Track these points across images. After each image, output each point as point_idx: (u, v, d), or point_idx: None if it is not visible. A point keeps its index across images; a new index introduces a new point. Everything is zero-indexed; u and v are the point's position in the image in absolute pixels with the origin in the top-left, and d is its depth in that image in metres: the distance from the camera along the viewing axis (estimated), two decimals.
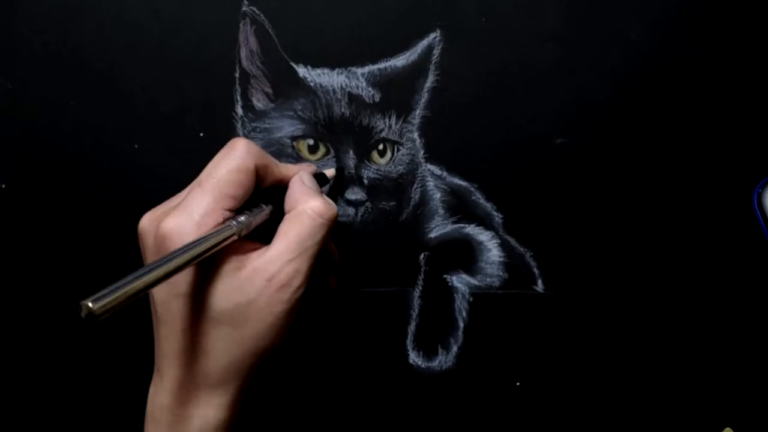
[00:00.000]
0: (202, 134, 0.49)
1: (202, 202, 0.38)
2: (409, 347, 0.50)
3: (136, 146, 0.49)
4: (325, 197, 0.42)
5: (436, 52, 0.49)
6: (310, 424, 0.49)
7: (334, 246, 0.47)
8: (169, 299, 0.39)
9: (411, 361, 0.50)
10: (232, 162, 0.40)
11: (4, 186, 0.49)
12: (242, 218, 0.39)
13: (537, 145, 0.50)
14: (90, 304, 0.30)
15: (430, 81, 0.49)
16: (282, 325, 0.39)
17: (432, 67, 0.49)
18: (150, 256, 0.39)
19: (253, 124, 0.49)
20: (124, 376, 0.49)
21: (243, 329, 0.38)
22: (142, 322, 0.49)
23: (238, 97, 0.49)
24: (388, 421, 0.50)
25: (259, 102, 0.49)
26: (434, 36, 0.49)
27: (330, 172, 0.48)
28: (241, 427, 0.48)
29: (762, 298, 0.50)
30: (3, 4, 0.49)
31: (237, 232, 0.38)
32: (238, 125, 0.49)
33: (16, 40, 0.49)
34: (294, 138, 0.49)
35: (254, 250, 0.40)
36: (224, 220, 0.39)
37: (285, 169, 0.43)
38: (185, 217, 0.38)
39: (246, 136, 0.49)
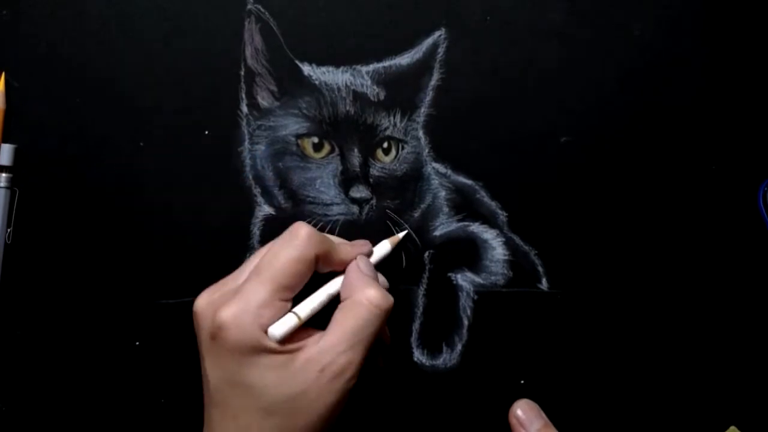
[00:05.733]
0: (207, 132, 0.49)
1: (258, 293, 0.39)
2: (414, 345, 0.50)
3: (141, 144, 0.49)
4: (381, 288, 0.41)
5: (441, 50, 0.49)
6: None
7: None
8: (223, 386, 0.39)
9: (415, 359, 0.50)
10: (293, 252, 0.40)
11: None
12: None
13: (542, 143, 0.50)
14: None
15: (434, 79, 0.49)
16: (332, 415, 0.39)
17: (437, 65, 0.49)
18: (204, 339, 0.40)
19: (258, 122, 0.49)
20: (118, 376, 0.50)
21: (294, 420, 0.39)
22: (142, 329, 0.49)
23: (243, 95, 0.49)
24: (392, 419, 0.50)
25: (264, 100, 0.49)
26: (439, 34, 0.49)
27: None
28: None
29: (767, 297, 0.50)
30: (8, 3, 0.49)
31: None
32: (243, 123, 0.49)
33: (22, 39, 0.49)
34: (299, 136, 0.49)
35: (307, 336, 0.40)
36: (281, 311, 0.40)
37: (344, 253, 0.43)
38: (242, 308, 0.38)
39: (251, 134, 0.49)
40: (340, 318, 0.40)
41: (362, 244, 0.46)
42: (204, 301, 0.41)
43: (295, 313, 0.39)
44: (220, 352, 0.39)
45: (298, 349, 0.39)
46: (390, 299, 0.41)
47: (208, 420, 0.41)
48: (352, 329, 0.39)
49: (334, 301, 0.42)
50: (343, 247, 0.44)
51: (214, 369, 0.39)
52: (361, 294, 0.40)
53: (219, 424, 0.40)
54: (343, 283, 0.42)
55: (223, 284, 0.41)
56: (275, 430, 0.39)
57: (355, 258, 0.43)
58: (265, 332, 0.39)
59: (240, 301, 0.39)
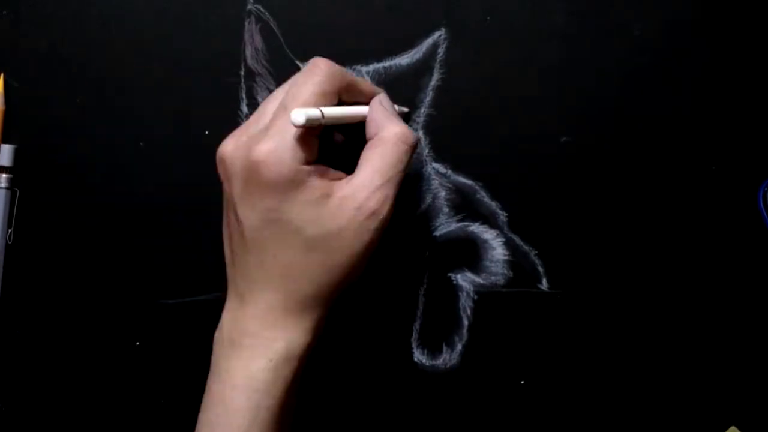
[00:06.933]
0: (207, 132, 0.49)
1: (292, 128, 0.38)
2: (414, 345, 0.50)
3: (141, 144, 0.49)
4: (405, 124, 0.42)
5: (441, 50, 0.49)
6: (314, 422, 0.49)
7: None
8: (261, 227, 0.39)
9: (415, 359, 0.50)
10: (316, 86, 0.39)
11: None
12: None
13: (542, 143, 0.50)
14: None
15: (434, 79, 0.49)
16: (366, 255, 0.40)
17: (437, 66, 0.49)
18: (237, 182, 0.39)
19: None
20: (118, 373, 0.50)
21: (333, 256, 0.39)
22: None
23: (244, 95, 0.49)
24: (392, 419, 0.50)
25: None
26: (439, 34, 0.49)
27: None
28: None
29: (767, 297, 0.50)
30: (8, 3, 0.49)
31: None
32: None
33: (22, 39, 0.49)
34: None
35: (339, 178, 0.40)
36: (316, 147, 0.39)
37: (365, 86, 0.43)
38: (278, 143, 0.38)
39: None
40: (370, 156, 0.40)
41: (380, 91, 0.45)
42: (231, 146, 0.40)
43: (320, 109, 0.38)
44: (256, 191, 0.38)
45: (332, 187, 0.39)
46: (415, 135, 0.41)
47: (241, 268, 0.41)
48: (382, 165, 0.40)
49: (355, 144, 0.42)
50: (362, 81, 0.44)
51: (250, 212, 0.39)
52: (388, 131, 0.40)
53: (258, 268, 0.40)
54: (368, 121, 0.42)
55: (246, 128, 0.41)
56: (316, 266, 0.39)
57: (376, 94, 0.44)
58: (304, 165, 0.38)
59: (276, 136, 0.38)
